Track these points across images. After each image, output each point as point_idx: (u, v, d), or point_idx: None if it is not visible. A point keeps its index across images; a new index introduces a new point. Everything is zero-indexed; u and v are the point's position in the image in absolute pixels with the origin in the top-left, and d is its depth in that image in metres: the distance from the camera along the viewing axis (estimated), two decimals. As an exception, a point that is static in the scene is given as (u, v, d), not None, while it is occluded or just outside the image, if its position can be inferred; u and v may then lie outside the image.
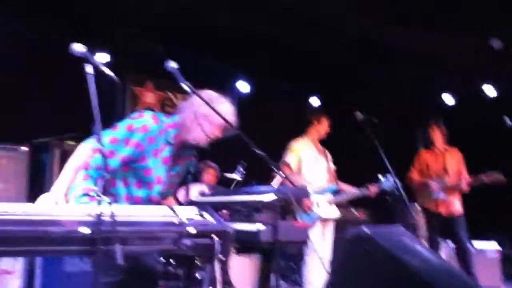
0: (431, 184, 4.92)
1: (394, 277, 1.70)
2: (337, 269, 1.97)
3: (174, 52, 5.67)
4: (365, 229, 1.81)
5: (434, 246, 4.91)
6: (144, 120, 2.36)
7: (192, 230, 1.91)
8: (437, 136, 5.06)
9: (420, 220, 5.40)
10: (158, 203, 2.48)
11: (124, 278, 1.97)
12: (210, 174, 5.25)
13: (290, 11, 5.14)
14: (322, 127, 4.47)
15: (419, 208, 5.36)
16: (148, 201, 2.45)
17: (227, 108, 2.45)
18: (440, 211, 4.90)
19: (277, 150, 4.44)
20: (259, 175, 4.81)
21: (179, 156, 2.53)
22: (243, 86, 7.12)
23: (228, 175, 5.27)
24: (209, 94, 2.45)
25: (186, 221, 1.97)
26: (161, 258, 2.19)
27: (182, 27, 5.43)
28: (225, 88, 6.88)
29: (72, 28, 4.99)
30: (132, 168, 2.38)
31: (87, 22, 5.05)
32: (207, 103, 2.33)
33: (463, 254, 4.75)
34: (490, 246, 5.88)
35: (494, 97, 6.85)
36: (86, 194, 2.30)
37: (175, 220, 1.94)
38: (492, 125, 4.91)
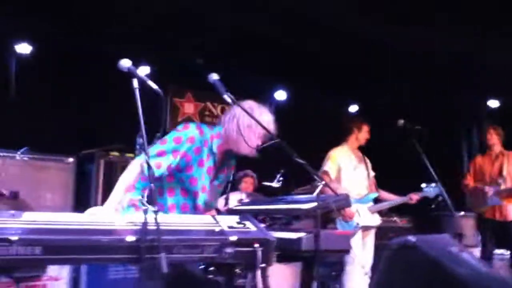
0: (486, 189, 4.78)
1: (441, 287, 1.65)
2: (381, 279, 1.93)
3: (212, 63, 5.80)
4: (411, 238, 1.77)
5: (487, 254, 4.76)
6: (190, 131, 2.44)
7: (234, 238, 1.92)
8: (494, 139, 4.91)
9: (469, 228, 5.24)
10: (203, 212, 2.53)
11: (168, 285, 2.01)
12: (247, 182, 5.27)
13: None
14: (362, 135, 4.42)
15: (472, 215, 5.19)
16: (194, 209, 2.50)
17: (267, 117, 2.49)
18: (495, 217, 4.75)
19: (313, 158, 4.43)
20: (298, 183, 4.80)
21: (222, 166, 2.57)
22: (280, 94, 7.16)
23: (267, 183, 5.28)
24: (250, 104, 2.49)
25: (228, 230, 1.99)
26: (203, 266, 2.21)
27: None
28: (262, 96, 6.99)
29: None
30: (178, 177, 2.45)
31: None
32: (249, 114, 2.37)
33: None
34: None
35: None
36: (133, 205, 2.36)
37: (217, 229, 1.97)
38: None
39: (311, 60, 6.17)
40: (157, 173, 2.31)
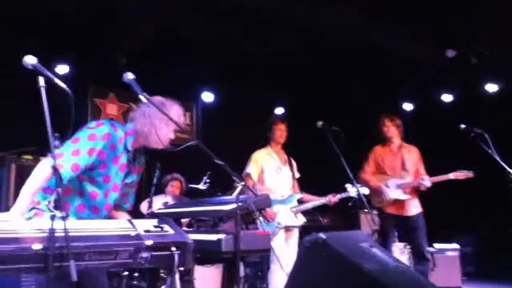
0: (384, 186, 4.58)
1: (349, 281, 1.73)
2: (294, 275, 1.99)
3: (136, 62, 5.68)
4: (322, 234, 1.84)
5: (386, 248, 4.35)
6: (105, 129, 2.39)
7: (149, 242, 1.89)
8: (392, 132, 4.67)
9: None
10: (111, 211, 2.51)
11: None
12: (174, 185, 5.20)
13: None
14: (278, 133, 4.43)
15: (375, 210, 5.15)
16: (104, 209, 2.44)
17: (177, 111, 2.52)
18: (395, 211, 4.56)
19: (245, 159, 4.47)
20: (226, 185, 4.80)
21: (133, 165, 2.54)
22: (207, 96, 7.15)
23: (194, 185, 5.24)
24: (159, 98, 2.51)
25: (144, 234, 1.96)
26: (125, 272, 2.15)
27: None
28: (191, 98, 6.95)
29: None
30: (90, 176, 2.37)
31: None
32: (159, 107, 2.39)
33: (418, 258, 4.50)
34: (451, 246, 5.92)
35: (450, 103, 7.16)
36: (34, 208, 2.26)
37: (132, 233, 1.92)
38: (451, 127, 4.72)
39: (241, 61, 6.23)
40: (73, 175, 2.25)
